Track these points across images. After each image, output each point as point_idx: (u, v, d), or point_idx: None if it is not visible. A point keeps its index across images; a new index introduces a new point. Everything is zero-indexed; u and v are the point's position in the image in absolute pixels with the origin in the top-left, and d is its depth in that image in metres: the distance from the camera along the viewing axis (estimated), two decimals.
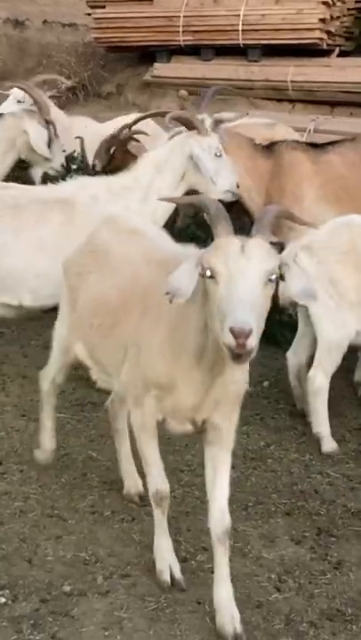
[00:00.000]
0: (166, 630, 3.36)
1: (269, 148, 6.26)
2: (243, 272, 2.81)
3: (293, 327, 5.36)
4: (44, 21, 14.40)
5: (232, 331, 2.72)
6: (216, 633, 3.34)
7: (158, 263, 3.45)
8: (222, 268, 2.83)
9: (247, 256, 2.83)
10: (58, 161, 6.62)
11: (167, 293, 2.93)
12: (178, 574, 3.61)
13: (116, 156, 6.72)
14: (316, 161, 6.11)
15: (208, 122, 5.87)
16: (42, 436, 4.47)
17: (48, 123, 6.43)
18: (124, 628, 3.38)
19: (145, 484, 4.23)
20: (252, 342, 2.73)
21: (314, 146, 6.38)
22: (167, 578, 3.60)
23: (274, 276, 2.87)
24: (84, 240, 4.07)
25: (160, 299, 3.06)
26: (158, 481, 3.57)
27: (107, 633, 3.35)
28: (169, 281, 2.93)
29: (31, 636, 3.32)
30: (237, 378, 3.27)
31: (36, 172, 7.33)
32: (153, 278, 3.38)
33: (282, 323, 5.84)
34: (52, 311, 6.55)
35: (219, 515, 3.39)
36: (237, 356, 2.76)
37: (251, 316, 2.75)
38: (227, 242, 2.90)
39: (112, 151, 6.66)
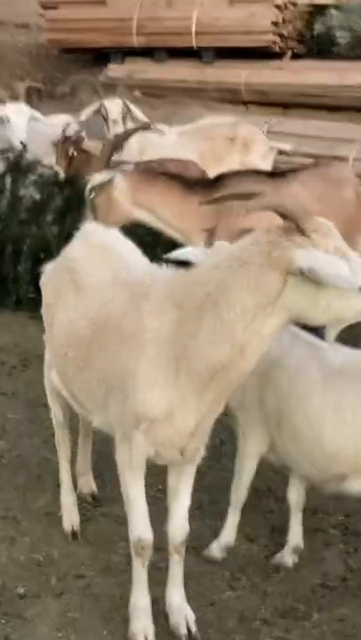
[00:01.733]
0: (121, 629, 3.36)
1: (215, 182, 5.38)
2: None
3: None
4: None
5: None
6: (170, 632, 3.35)
7: (127, 286, 3.26)
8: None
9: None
10: None
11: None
12: (151, 637, 3.30)
13: (75, 157, 6.75)
14: (278, 194, 5.53)
15: None
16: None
17: None
18: (77, 628, 3.38)
19: (98, 485, 4.26)
20: None
21: (272, 175, 5.76)
22: None
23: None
24: (61, 254, 3.83)
25: (136, 322, 3.01)
26: (141, 528, 3.26)
27: (60, 634, 3.35)
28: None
29: None
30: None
31: None
32: (124, 302, 3.17)
33: None
34: (7, 313, 6.57)
35: (179, 524, 3.36)
36: None
37: None
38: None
39: (70, 154, 6.67)
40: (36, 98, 12.57)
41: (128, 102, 8.07)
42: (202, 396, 3.02)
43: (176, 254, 3.47)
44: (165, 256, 3.40)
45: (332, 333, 4.90)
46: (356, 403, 3.41)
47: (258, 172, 5.86)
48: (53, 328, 3.63)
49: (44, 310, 3.83)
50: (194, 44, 11.29)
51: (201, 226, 5.10)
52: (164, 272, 3.22)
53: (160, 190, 5.35)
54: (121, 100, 7.95)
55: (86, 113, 8.04)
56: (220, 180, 5.37)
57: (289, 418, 3.53)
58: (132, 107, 8.04)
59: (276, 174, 5.72)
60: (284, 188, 5.19)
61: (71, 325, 3.44)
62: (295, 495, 3.88)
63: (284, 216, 2.89)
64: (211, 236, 4.91)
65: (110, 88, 11.74)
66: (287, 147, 8.15)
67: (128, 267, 3.42)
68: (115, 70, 11.90)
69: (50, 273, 3.80)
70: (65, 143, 6.95)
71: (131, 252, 3.66)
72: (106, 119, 7.89)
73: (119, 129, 7.63)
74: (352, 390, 3.43)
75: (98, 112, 8.00)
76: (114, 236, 3.80)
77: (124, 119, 7.80)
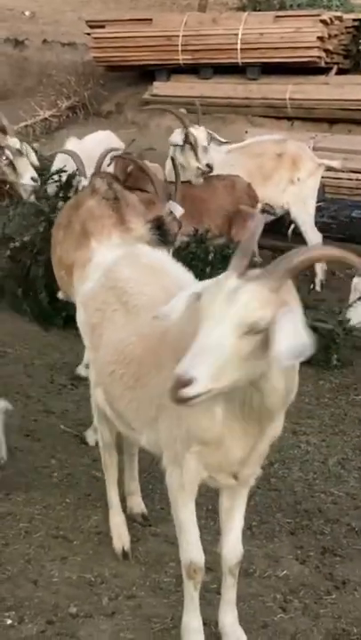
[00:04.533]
0: None
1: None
2: (217, 316, 2.64)
3: None
4: (44, 40, 14.52)
5: (174, 375, 2.62)
6: None
7: None
8: (204, 306, 2.71)
9: (231, 300, 2.64)
10: (26, 178, 7.38)
11: (154, 317, 2.86)
12: None
13: (133, 174, 6.83)
14: None
15: None
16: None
17: (1, 148, 7.24)
18: None
19: (147, 504, 4.27)
20: (189, 392, 2.59)
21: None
22: None
23: (262, 325, 2.63)
24: (101, 274, 3.81)
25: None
26: (193, 551, 3.24)
27: None
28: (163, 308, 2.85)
29: None
30: (280, 424, 3.14)
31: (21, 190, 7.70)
32: (181, 321, 3.02)
33: None
34: (55, 332, 6.63)
35: (233, 546, 3.34)
36: (175, 400, 2.63)
37: (199, 366, 2.60)
38: (224, 278, 2.71)
39: (129, 170, 6.74)
40: (82, 115, 12.76)
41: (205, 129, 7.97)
42: (248, 422, 2.97)
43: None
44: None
45: None
46: None
47: None
48: (100, 348, 3.63)
49: (86, 330, 3.84)
50: (239, 60, 11.33)
51: None
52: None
53: None
54: (204, 128, 7.84)
55: (179, 137, 7.84)
56: None
57: None
58: (211, 132, 8.01)
59: None
60: None
61: (121, 344, 3.44)
62: None
63: None
64: None
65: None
66: (335, 163, 8.13)
67: (180, 286, 3.34)
68: (160, 88, 11.98)
69: (91, 294, 3.79)
70: (125, 160, 7.02)
71: (181, 272, 3.63)
72: (193, 147, 7.69)
73: (209, 157, 7.61)
74: None
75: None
76: (163, 257, 3.80)
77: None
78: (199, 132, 7.69)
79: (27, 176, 7.35)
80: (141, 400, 3.34)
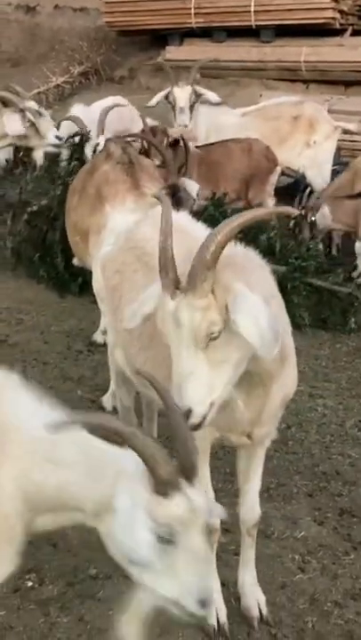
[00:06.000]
0: None
1: None
2: (175, 341, 2.71)
3: (312, 309, 5.35)
4: (55, 6, 14.37)
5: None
6: (241, 614, 3.38)
7: None
8: (162, 329, 2.76)
9: (177, 323, 2.70)
10: (50, 137, 7.23)
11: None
12: (223, 618, 3.33)
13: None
14: None
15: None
16: None
17: (22, 110, 7.03)
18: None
19: None
20: (193, 421, 2.66)
21: None
22: (213, 622, 3.31)
23: (217, 330, 2.67)
24: (118, 237, 3.81)
25: None
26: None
27: None
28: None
29: (58, 619, 3.37)
30: (289, 383, 3.17)
31: (38, 155, 7.62)
32: None
33: (298, 304, 5.84)
34: (71, 298, 6.64)
35: (250, 507, 3.36)
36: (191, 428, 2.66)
37: (188, 396, 2.65)
38: (164, 302, 2.76)
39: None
40: (94, 81, 12.66)
41: (199, 88, 7.97)
42: (248, 385, 2.95)
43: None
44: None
45: None
46: None
47: None
48: (120, 309, 3.60)
49: (106, 293, 3.83)
50: (253, 22, 11.19)
51: None
52: (235, 250, 3.12)
53: None
54: (190, 87, 7.83)
55: (156, 99, 7.98)
56: None
57: None
58: (203, 91, 7.96)
59: None
60: None
61: None
62: None
63: None
64: None
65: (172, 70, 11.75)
66: (351, 126, 8.04)
67: None
68: (173, 52, 11.86)
69: (109, 256, 3.78)
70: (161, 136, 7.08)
71: (202, 231, 3.54)
72: (173, 107, 7.80)
73: (185, 118, 7.59)
74: None
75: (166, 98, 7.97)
76: (186, 218, 3.75)
77: (192, 107, 7.72)
78: (181, 92, 7.71)
79: (51, 135, 7.22)
80: (155, 359, 3.34)
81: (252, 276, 2.82)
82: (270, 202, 7.26)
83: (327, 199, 7.03)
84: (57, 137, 7.27)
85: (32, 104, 7.33)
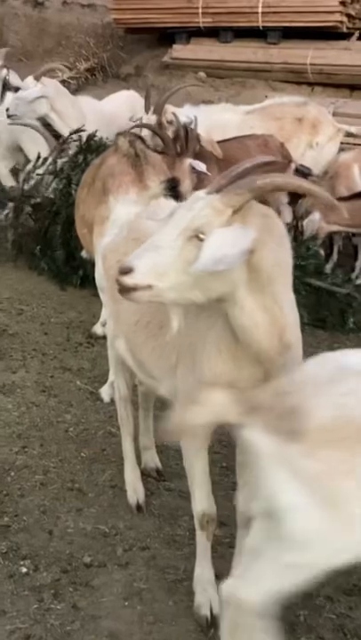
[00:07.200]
0: (186, 601, 3.40)
1: None
2: (174, 220, 2.75)
3: (311, 308, 5.36)
4: (64, 2, 14.38)
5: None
6: None
7: None
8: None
9: (190, 208, 2.74)
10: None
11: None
12: (217, 609, 3.24)
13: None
14: None
15: None
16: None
17: None
18: (143, 598, 3.43)
19: (162, 460, 4.31)
20: (127, 280, 2.72)
21: None
22: (207, 612, 3.31)
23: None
24: (121, 227, 3.82)
25: None
26: (205, 502, 3.28)
27: (126, 603, 3.40)
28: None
29: (52, 605, 3.38)
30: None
31: None
32: None
33: (298, 303, 5.85)
34: (72, 290, 6.67)
35: (248, 500, 3.37)
36: (118, 290, 2.78)
37: (142, 259, 2.72)
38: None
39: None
40: (100, 78, 12.68)
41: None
42: (252, 368, 2.95)
43: None
44: None
45: None
46: None
47: None
48: (120, 300, 3.64)
49: (106, 284, 3.85)
50: (260, 24, 11.21)
51: None
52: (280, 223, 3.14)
53: None
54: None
55: None
56: None
57: None
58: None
59: None
60: None
61: None
62: None
63: None
64: None
65: (178, 68, 11.79)
66: (354, 129, 8.07)
67: None
68: (180, 51, 11.89)
69: (112, 246, 3.79)
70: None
71: None
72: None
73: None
74: None
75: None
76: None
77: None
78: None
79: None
80: (164, 347, 3.35)
81: (272, 242, 2.81)
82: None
83: (320, 207, 7.02)
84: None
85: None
